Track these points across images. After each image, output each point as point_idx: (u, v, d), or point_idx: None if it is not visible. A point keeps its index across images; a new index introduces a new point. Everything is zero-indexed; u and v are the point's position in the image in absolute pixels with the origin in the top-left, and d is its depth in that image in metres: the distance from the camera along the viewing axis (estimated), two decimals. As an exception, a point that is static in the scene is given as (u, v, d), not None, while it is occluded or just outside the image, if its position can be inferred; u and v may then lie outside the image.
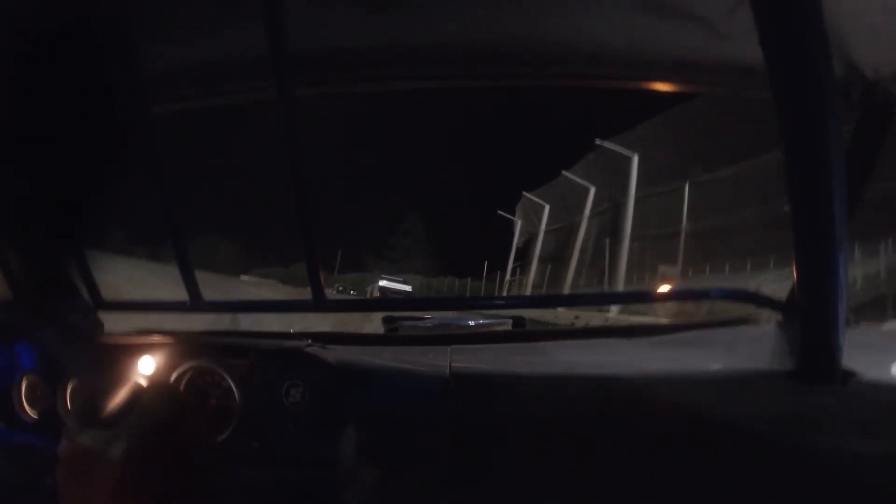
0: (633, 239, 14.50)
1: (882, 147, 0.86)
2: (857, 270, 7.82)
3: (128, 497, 0.70)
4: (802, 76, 0.52)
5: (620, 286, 13.84)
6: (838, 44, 0.50)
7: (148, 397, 0.79)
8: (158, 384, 0.88)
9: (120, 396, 0.77)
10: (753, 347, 1.01)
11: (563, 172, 18.19)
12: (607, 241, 15.93)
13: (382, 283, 21.80)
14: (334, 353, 0.98)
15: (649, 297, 1.20)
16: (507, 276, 24.64)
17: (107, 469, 0.71)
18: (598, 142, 15.18)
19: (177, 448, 0.76)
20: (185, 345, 0.98)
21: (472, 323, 1.66)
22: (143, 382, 0.84)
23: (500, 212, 25.35)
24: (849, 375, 0.74)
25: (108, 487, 0.70)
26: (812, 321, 0.71)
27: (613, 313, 9.08)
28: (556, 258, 19.54)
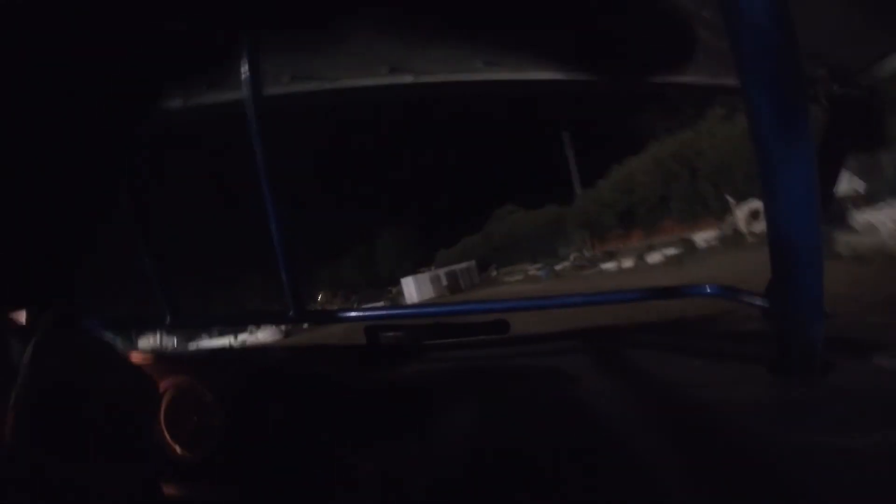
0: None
1: (852, 140, 0.89)
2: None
3: None
4: (772, 71, 0.54)
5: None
6: (807, 39, 0.51)
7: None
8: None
9: None
10: (733, 341, 1.03)
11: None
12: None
13: None
14: (315, 369, 0.97)
15: (630, 297, 1.22)
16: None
17: None
18: None
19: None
20: (166, 362, 0.95)
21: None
22: None
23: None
24: (828, 367, 0.75)
25: None
26: (790, 314, 0.72)
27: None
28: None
